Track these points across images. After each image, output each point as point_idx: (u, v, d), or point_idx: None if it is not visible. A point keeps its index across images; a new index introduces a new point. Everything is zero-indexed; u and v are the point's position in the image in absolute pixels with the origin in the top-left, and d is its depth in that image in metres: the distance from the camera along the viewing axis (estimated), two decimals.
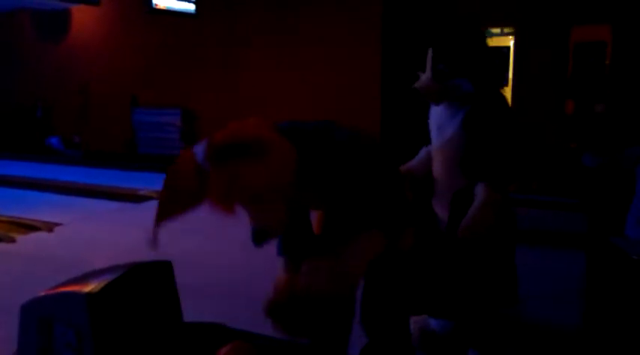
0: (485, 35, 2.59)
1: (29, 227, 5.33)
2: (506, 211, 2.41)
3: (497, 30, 7.60)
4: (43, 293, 1.94)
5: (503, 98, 2.43)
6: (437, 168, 2.49)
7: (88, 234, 5.22)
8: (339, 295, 1.77)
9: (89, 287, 1.84)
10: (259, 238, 1.96)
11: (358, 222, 1.75)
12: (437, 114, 2.49)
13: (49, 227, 5.34)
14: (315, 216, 2.07)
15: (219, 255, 4.44)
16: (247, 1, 8.93)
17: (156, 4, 7.14)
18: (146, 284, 2.04)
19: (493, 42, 7.49)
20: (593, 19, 6.46)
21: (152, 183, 7.50)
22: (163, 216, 1.69)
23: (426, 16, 6.01)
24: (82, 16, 10.78)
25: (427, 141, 2.59)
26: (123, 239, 4.97)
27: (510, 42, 7.39)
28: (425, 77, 2.41)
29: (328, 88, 8.29)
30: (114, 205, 6.47)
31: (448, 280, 2.47)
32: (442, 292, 2.52)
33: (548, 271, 4.00)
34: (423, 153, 2.62)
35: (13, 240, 4.89)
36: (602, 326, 2.65)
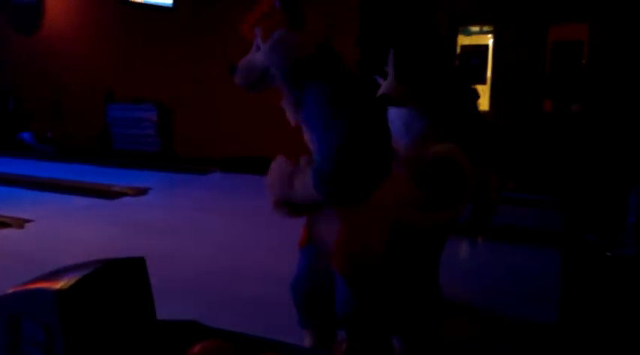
0: (448, 38, 2.63)
1: None
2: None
3: (476, 28, 7.65)
4: (11, 290, 1.87)
5: (471, 99, 2.46)
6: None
7: (61, 231, 5.10)
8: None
9: (59, 284, 1.78)
10: None
11: None
12: (401, 113, 2.47)
13: (20, 223, 5.20)
14: None
15: (199, 256, 4.37)
16: (227, 2, 8.85)
17: None
18: (118, 280, 1.98)
19: (472, 40, 7.55)
20: (570, 18, 6.53)
21: (126, 179, 7.39)
22: None
23: (403, 14, 6.02)
24: (55, 8, 10.57)
25: None
26: (96, 236, 4.87)
27: (489, 40, 7.44)
28: (388, 81, 2.39)
29: None
30: (87, 201, 6.34)
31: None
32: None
33: (524, 268, 4.02)
34: None
35: None
36: (578, 322, 2.66)
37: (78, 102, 10.53)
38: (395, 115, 2.48)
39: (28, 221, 5.29)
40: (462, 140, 2.28)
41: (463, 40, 7.51)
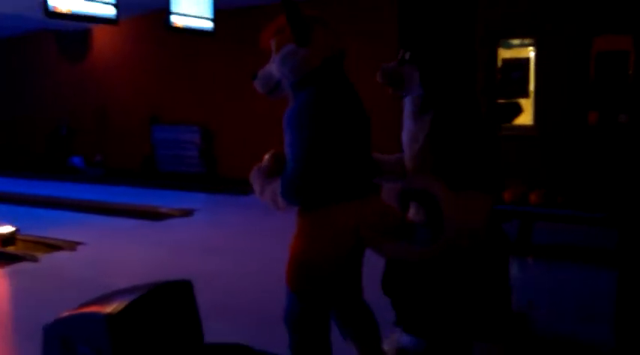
0: (464, 37, 2.61)
1: (52, 246, 5.36)
2: (492, 225, 2.40)
3: (516, 41, 7.54)
4: (65, 314, 1.94)
5: (471, 103, 2.40)
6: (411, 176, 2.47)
7: (110, 252, 5.24)
8: None
9: (109, 309, 1.83)
10: None
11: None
12: (407, 124, 2.47)
13: (72, 246, 5.37)
14: None
15: (244, 276, 4.41)
16: (266, 19, 8.99)
17: (174, 23, 7.20)
18: (166, 304, 2.02)
19: (513, 53, 7.44)
20: (614, 30, 6.37)
21: (172, 200, 7.55)
22: None
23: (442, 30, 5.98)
24: (102, 36, 10.97)
25: None
26: (144, 257, 4.98)
27: (530, 53, 7.32)
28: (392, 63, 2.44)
29: None
30: (135, 223, 6.50)
31: (423, 295, 2.45)
32: (417, 307, 2.49)
33: (576, 287, 3.90)
34: (393, 157, 2.56)
35: (36, 260, 4.93)
36: (634, 345, 2.55)
37: (124, 125, 10.85)
38: (404, 126, 2.49)
39: (79, 243, 5.45)
40: (457, 162, 2.29)
41: (504, 54, 7.42)
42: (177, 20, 7.19)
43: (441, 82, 2.34)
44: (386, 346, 2.48)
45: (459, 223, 2.01)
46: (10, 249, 5.27)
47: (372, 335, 2.27)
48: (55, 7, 5.86)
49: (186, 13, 7.31)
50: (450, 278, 2.37)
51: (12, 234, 5.42)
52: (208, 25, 7.65)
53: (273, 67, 2.16)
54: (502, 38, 7.30)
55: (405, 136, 2.46)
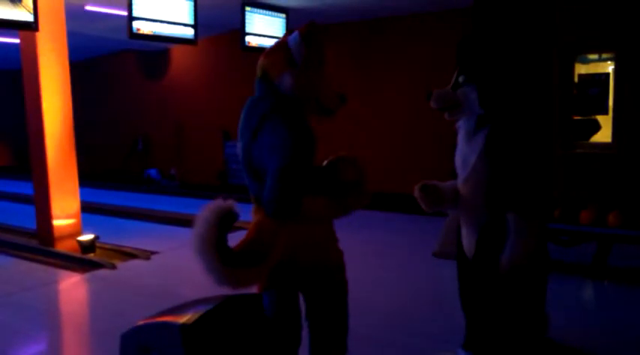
0: (520, 52, 2.55)
1: (128, 254, 5.61)
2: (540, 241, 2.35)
3: (594, 56, 7.26)
4: (141, 323, 2.03)
5: (526, 119, 2.35)
6: (464, 200, 2.42)
7: (183, 263, 5.40)
8: None
9: (184, 319, 1.90)
10: None
11: None
12: (461, 145, 2.45)
13: (147, 255, 5.59)
14: None
15: None
16: (335, 37, 9.14)
17: (249, 42, 7.45)
18: (238, 316, 2.08)
19: (589, 68, 7.16)
20: None
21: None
22: None
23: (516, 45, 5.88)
24: (180, 55, 11.47)
25: None
26: None
27: (609, 68, 7.03)
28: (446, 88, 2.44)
29: (403, 114, 8.28)
30: None
31: (479, 313, 2.41)
32: (474, 325, 2.44)
33: None
34: (449, 184, 2.55)
35: (114, 267, 5.17)
36: None
37: (198, 140, 11.25)
38: (458, 149, 2.47)
39: (153, 252, 5.68)
40: (511, 165, 2.26)
41: (580, 69, 7.16)
42: (251, 40, 7.43)
43: (498, 100, 2.32)
44: None
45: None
46: (90, 256, 5.55)
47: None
48: (138, 29, 6.19)
49: (260, 33, 7.54)
50: (503, 294, 2.36)
51: (92, 241, 5.70)
52: None
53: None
54: (579, 54, 7.06)
55: (458, 159, 2.45)
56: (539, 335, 2.61)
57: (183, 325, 1.86)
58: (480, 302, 2.43)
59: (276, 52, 2.25)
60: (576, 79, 7.15)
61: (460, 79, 2.40)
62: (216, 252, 1.96)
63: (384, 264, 5.19)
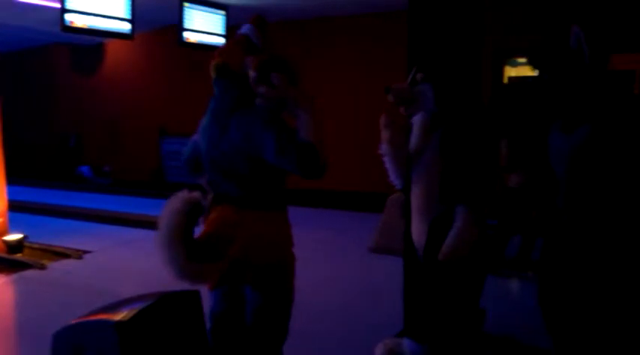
0: (472, 57, 2.65)
1: (59, 254, 5.42)
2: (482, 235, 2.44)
3: (523, 59, 7.59)
4: (74, 321, 1.99)
5: (479, 118, 2.46)
6: (415, 194, 2.52)
7: (117, 262, 5.29)
8: None
9: (119, 316, 1.88)
10: None
11: None
12: (414, 141, 2.54)
13: (79, 254, 5.43)
14: None
15: None
16: (277, 34, 9.14)
17: (186, 38, 7.34)
18: (174, 313, 2.07)
19: (518, 71, 7.49)
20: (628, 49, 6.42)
21: None
22: None
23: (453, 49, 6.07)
24: (115, 50, 11.15)
25: None
26: (152, 267, 5.00)
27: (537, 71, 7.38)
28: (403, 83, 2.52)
29: (346, 113, 8.41)
30: (143, 233, 6.54)
31: (425, 303, 2.50)
32: (419, 314, 2.55)
33: None
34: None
35: (43, 267, 4.99)
36: None
37: (133, 137, 10.98)
38: (411, 144, 2.55)
39: (86, 252, 5.51)
40: (465, 162, 2.36)
41: (509, 72, 7.48)
42: (189, 36, 7.32)
43: (452, 99, 2.42)
44: (379, 350, 2.56)
45: None
46: (18, 256, 5.32)
47: None
48: (71, 21, 5.99)
49: (198, 29, 7.44)
50: (443, 285, 2.44)
51: (20, 241, 5.47)
52: (220, 41, 7.76)
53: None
54: (508, 58, 7.38)
55: (411, 152, 2.53)
56: (476, 328, 2.72)
57: (119, 322, 1.84)
58: (425, 292, 2.51)
59: (233, 44, 2.35)
60: (506, 81, 7.48)
61: (418, 77, 2.48)
62: (183, 244, 1.93)
63: (321, 261, 5.25)
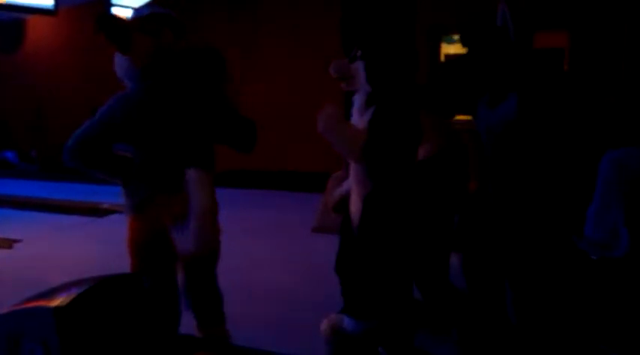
0: (406, 34, 2.69)
1: None
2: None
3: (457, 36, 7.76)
4: (9, 309, 1.89)
5: (408, 98, 2.51)
6: (352, 170, 2.57)
7: (50, 250, 5.09)
8: None
9: (57, 302, 1.81)
10: None
11: None
12: (354, 118, 2.57)
13: (8, 244, 5.19)
14: None
15: None
16: (206, 8, 8.95)
17: (115, 14, 7.06)
18: (115, 297, 2.01)
19: (457, 48, 7.64)
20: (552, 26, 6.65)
21: (114, 196, 7.37)
22: None
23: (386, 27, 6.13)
24: (38, 27, 10.55)
25: None
26: (87, 254, 4.87)
27: None
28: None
29: (294, 94, 8.38)
30: (76, 220, 6.33)
31: (358, 279, 2.55)
32: (355, 290, 2.59)
33: None
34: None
35: None
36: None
37: (62, 119, 10.47)
38: (352, 122, 2.57)
39: (16, 241, 5.27)
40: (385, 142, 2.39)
41: (447, 49, 7.61)
42: (118, 12, 7.04)
43: (385, 79, 2.42)
44: (323, 326, 2.60)
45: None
46: None
47: (214, 320, 2.49)
48: None
49: (127, 4, 7.16)
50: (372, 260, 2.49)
51: None
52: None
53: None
54: (445, 34, 7.51)
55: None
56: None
57: (57, 308, 1.76)
58: (359, 268, 2.55)
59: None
60: (442, 59, 7.62)
61: (358, 54, 2.47)
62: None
63: (262, 243, 5.23)
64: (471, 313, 2.79)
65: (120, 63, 2.43)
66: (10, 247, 5.13)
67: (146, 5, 2.55)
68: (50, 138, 10.68)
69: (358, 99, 2.49)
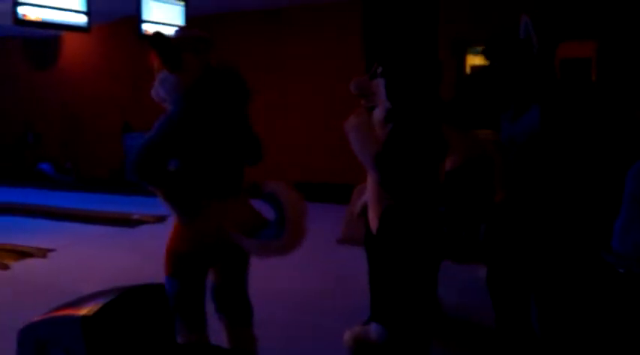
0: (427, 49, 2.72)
1: (23, 253, 5.32)
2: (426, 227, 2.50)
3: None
4: (39, 318, 1.97)
5: (429, 113, 2.52)
6: (370, 185, 2.60)
7: (82, 259, 5.22)
8: None
9: (84, 311, 1.87)
10: None
11: None
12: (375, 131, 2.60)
13: (43, 253, 5.34)
14: None
15: None
16: (235, 25, 9.09)
17: (145, 30, 7.22)
18: (139, 306, 2.07)
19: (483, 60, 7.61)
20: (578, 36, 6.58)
21: (145, 207, 7.52)
22: None
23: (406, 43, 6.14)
24: (73, 43, 10.88)
25: None
26: (118, 263, 4.98)
27: None
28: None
29: (319, 108, 8.43)
30: (107, 230, 6.47)
31: (381, 288, 2.60)
32: (379, 299, 2.63)
33: None
34: None
35: (6, 267, 4.90)
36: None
37: (95, 132, 10.76)
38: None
39: (50, 250, 5.42)
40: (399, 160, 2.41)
41: (473, 60, 7.58)
42: (148, 28, 7.21)
43: (404, 95, 2.45)
44: (346, 337, 2.63)
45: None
46: None
47: (243, 322, 2.61)
48: (24, 15, 5.83)
49: (157, 20, 7.34)
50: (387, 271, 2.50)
51: None
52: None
53: (156, 86, 2.53)
54: (469, 46, 7.49)
55: None
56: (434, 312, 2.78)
57: (85, 317, 1.83)
58: (380, 278, 2.58)
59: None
60: (468, 70, 7.59)
61: (378, 71, 2.52)
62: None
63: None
64: (496, 327, 2.78)
65: (165, 81, 2.47)
66: (44, 256, 5.28)
67: (185, 28, 2.68)
68: (84, 150, 10.97)
69: (378, 115, 2.52)
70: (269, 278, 4.29)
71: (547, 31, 2.59)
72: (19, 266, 4.95)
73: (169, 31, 7.48)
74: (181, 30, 2.67)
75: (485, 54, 2.65)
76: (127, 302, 2.03)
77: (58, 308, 2.00)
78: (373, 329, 2.70)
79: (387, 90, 2.43)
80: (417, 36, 3.05)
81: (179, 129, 2.33)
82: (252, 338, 2.62)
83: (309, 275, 4.58)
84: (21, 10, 5.80)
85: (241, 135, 2.50)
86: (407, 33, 3.04)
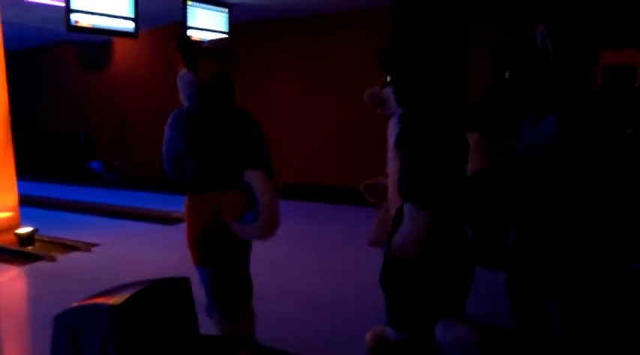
0: (435, 58, 2.80)
1: (69, 247, 5.61)
2: (450, 230, 2.56)
3: None
4: (73, 305, 2.13)
5: (439, 120, 2.56)
6: (389, 189, 2.66)
7: (124, 254, 5.46)
8: None
9: (113, 300, 2.02)
10: None
11: None
12: (390, 141, 2.69)
13: (87, 247, 5.60)
14: None
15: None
16: (277, 32, 9.27)
17: (190, 36, 7.48)
18: (165, 298, 2.21)
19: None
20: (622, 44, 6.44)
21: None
22: None
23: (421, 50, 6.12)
24: (122, 48, 11.33)
25: None
26: (156, 258, 5.19)
27: None
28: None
29: (346, 109, 8.52)
30: (150, 227, 6.72)
31: (397, 292, 2.68)
32: (396, 303, 2.69)
33: None
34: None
35: (53, 259, 5.17)
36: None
37: (142, 133, 11.16)
38: (389, 144, 2.68)
39: (94, 245, 5.69)
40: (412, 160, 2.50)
41: None
42: (193, 34, 7.46)
43: (413, 100, 2.53)
44: (367, 337, 2.70)
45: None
46: (29, 248, 5.51)
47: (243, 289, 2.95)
48: (76, 21, 6.16)
49: (201, 27, 7.58)
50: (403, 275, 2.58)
51: (31, 234, 5.66)
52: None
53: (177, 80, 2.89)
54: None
55: (389, 152, 2.66)
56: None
57: (112, 306, 1.98)
58: (395, 282, 2.65)
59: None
60: (507, 75, 7.51)
61: (387, 79, 2.62)
62: None
63: (319, 254, 5.37)
64: (516, 331, 2.80)
65: (183, 77, 2.84)
66: (88, 250, 5.54)
67: (221, 40, 3.00)
68: (132, 149, 11.38)
69: (392, 123, 2.61)
70: (293, 279, 4.38)
71: (587, 38, 2.59)
72: (65, 259, 5.22)
73: (213, 37, 7.80)
74: (212, 40, 3.04)
75: (505, 63, 2.71)
76: (154, 293, 2.17)
77: (92, 297, 2.16)
78: (390, 332, 2.78)
79: (396, 96, 2.52)
80: (426, 45, 3.11)
81: (187, 127, 2.74)
82: (252, 315, 2.96)
83: (336, 277, 4.64)
84: (73, 17, 6.12)
85: (253, 154, 2.82)
86: (414, 42, 3.10)
